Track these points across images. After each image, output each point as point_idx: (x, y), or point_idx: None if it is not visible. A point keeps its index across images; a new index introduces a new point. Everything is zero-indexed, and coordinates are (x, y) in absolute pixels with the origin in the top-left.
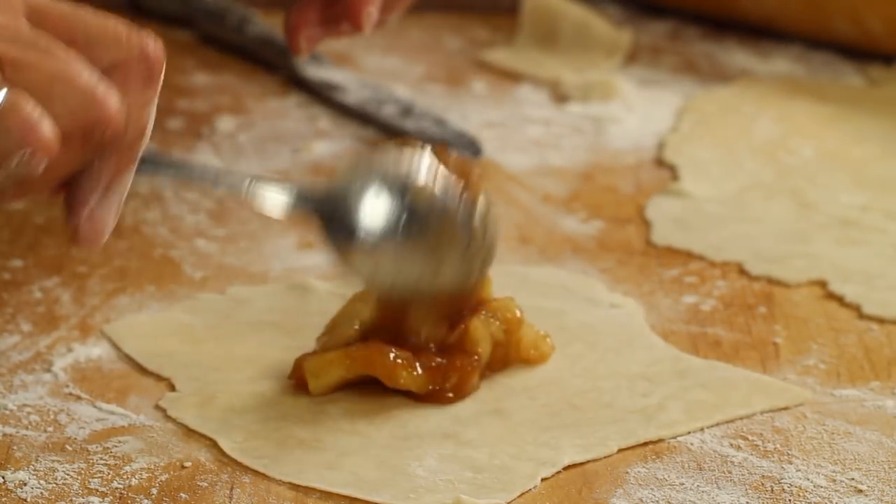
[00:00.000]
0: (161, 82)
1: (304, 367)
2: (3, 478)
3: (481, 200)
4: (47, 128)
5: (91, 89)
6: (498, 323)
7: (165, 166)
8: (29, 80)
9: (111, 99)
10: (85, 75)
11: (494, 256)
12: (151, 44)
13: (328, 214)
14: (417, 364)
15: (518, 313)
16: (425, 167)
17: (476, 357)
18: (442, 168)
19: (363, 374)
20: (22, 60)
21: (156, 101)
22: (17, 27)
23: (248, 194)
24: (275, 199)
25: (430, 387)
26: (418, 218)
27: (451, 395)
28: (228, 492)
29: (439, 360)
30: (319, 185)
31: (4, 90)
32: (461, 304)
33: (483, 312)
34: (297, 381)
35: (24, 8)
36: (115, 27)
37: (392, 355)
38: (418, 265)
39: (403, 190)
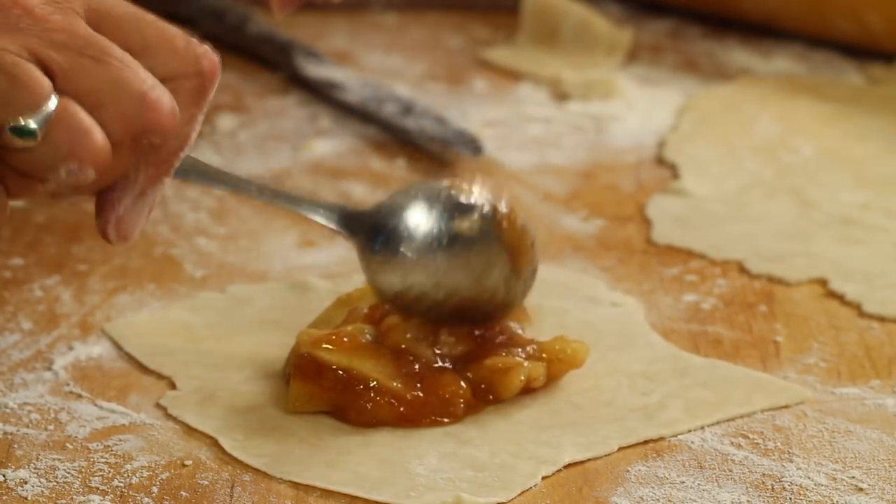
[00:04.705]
0: (211, 97)
1: (289, 387)
2: (4, 476)
3: (522, 220)
4: (98, 139)
5: (144, 95)
6: (543, 364)
7: (206, 176)
8: (80, 87)
9: (164, 105)
10: (138, 81)
11: (535, 279)
12: (208, 60)
13: (369, 233)
14: (399, 404)
15: (569, 352)
16: (472, 191)
17: (461, 401)
18: (487, 191)
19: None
20: (73, 68)
21: (202, 115)
22: (71, 29)
23: (294, 210)
24: (319, 221)
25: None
26: (462, 240)
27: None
28: (229, 490)
29: (417, 393)
30: (362, 208)
31: (55, 99)
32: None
33: (532, 348)
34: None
35: (83, 7)
36: (174, 37)
37: (368, 404)
38: (460, 287)
39: (448, 210)
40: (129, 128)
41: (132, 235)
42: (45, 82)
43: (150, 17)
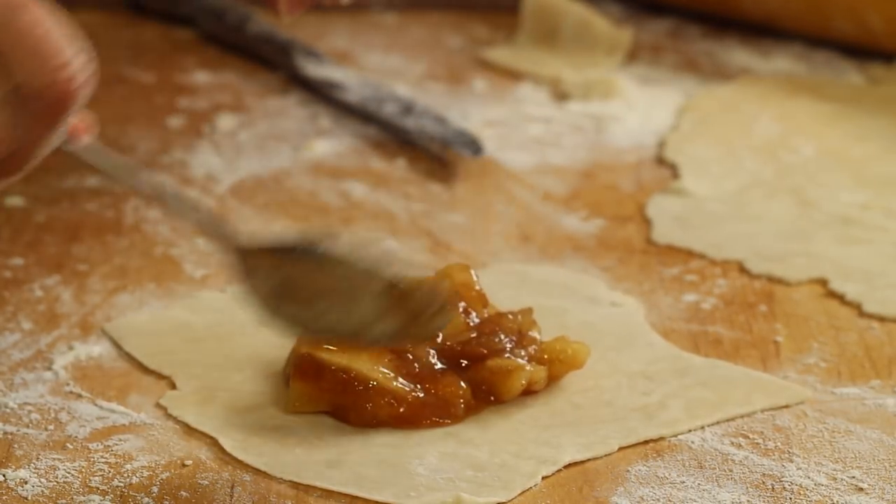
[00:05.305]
0: (64, 123)
1: (289, 387)
2: (4, 476)
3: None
4: None
5: None
6: (545, 368)
7: (112, 164)
8: None
9: None
10: None
11: (437, 328)
12: (62, 85)
13: (255, 266)
14: (399, 405)
15: (569, 353)
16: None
17: (460, 401)
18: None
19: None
20: None
21: (51, 140)
22: None
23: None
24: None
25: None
26: (347, 278)
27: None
28: (229, 490)
29: (417, 393)
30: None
31: None
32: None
33: (533, 349)
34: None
35: None
36: (47, 50)
37: (368, 404)
38: (349, 322)
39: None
40: None
41: None
42: None
43: (40, 22)
